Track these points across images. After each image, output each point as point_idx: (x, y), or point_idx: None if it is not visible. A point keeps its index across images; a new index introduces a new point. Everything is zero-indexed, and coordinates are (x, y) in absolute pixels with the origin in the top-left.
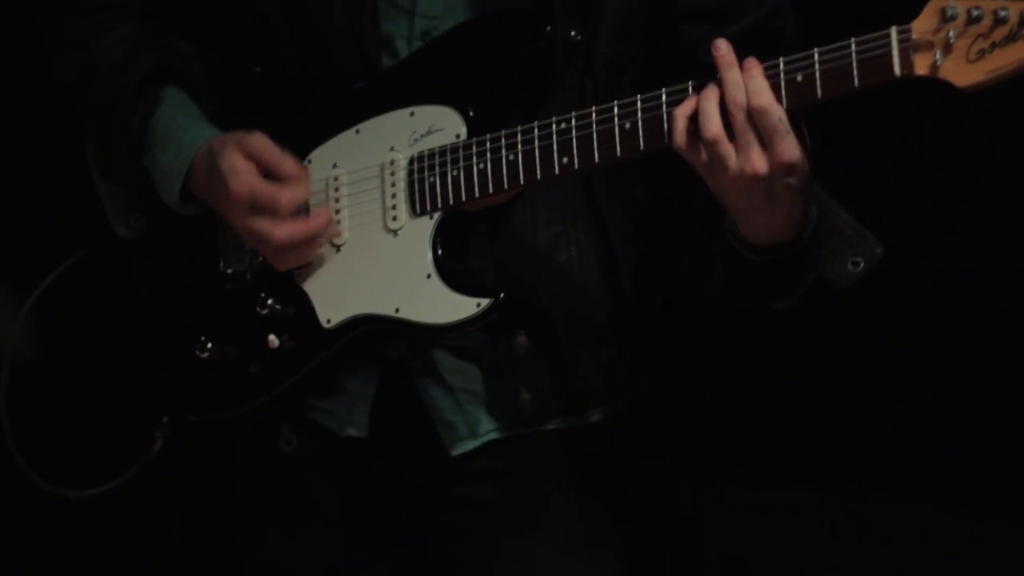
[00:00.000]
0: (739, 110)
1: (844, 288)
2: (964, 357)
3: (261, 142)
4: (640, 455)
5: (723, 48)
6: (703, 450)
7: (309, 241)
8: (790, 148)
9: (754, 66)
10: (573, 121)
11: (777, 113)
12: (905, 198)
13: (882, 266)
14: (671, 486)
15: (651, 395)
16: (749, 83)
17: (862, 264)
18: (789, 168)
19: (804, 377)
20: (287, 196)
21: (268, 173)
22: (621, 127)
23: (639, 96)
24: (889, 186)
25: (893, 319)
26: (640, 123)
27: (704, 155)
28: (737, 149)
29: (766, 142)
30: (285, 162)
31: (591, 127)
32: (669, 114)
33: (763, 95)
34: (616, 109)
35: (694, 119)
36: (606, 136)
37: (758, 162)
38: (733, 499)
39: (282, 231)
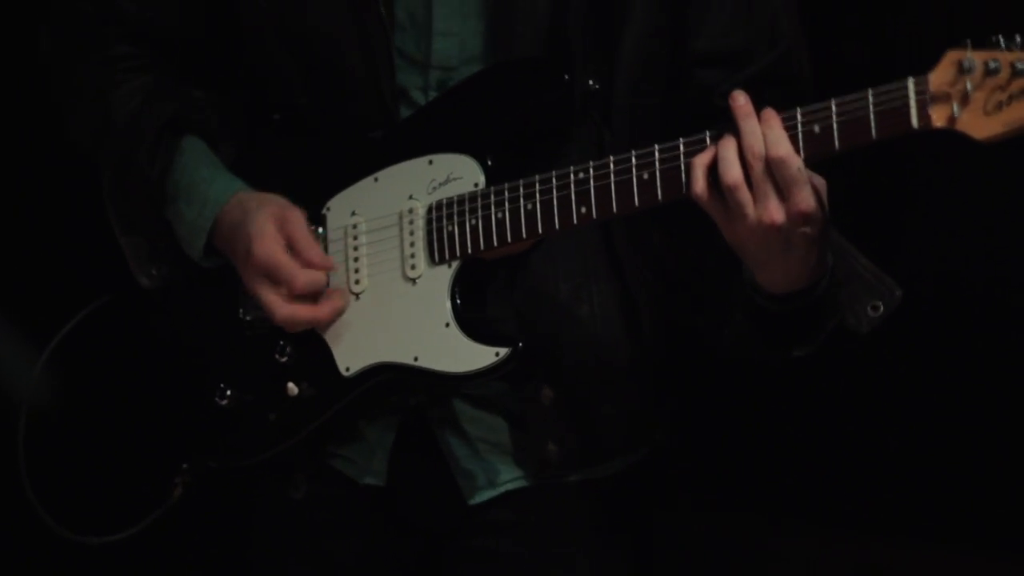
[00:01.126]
0: (757, 160)
1: (865, 332)
2: (990, 406)
3: (298, 219)
4: (658, 504)
5: (741, 99)
6: (720, 498)
7: (310, 324)
8: (807, 198)
9: (772, 116)
10: (591, 171)
11: (796, 163)
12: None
13: (909, 314)
14: (689, 534)
15: (669, 444)
16: (768, 133)
17: (881, 308)
18: (806, 218)
19: (822, 424)
20: (304, 279)
21: (292, 249)
22: (639, 177)
23: (656, 146)
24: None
25: (909, 367)
26: (658, 173)
27: (723, 205)
28: (755, 199)
29: (784, 192)
30: (313, 248)
31: (609, 177)
32: (688, 164)
33: (782, 145)
34: (634, 159)
35: (712, 169)
36: (624, 186)
37: (776, 212)
38: (751, 546)
39: (285, 311)
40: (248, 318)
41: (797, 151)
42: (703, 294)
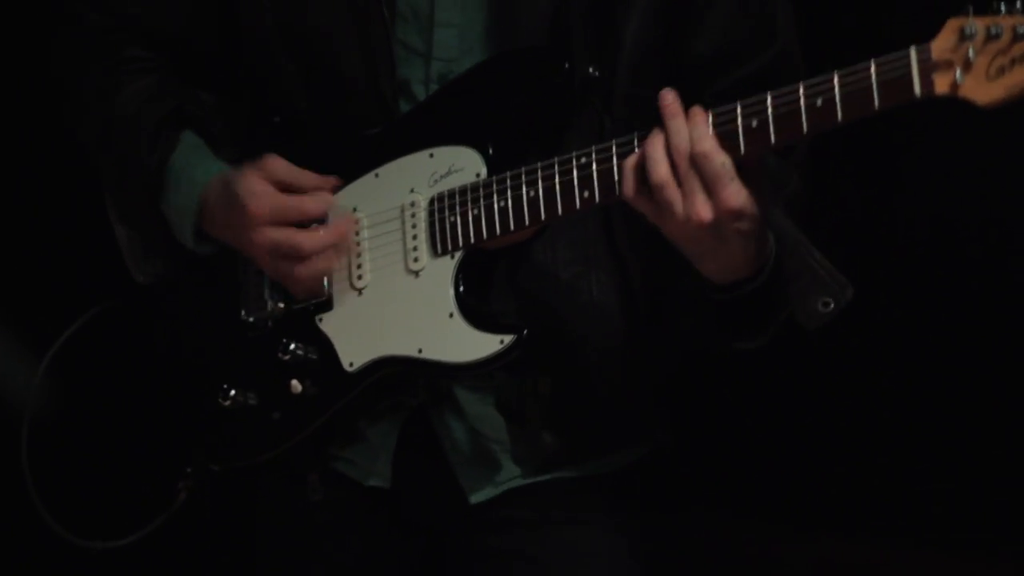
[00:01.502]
0: (682, 157)
1: (813, 329)
2: (991, 405)
3: (277, 162)
4: (661, 505)
5: (668, 98)
6: (721, 498)
7: (336, 245)
8: (735, 194)
9: (698, 113)
10: (593, 155)
11: (719, 159)
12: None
13: (912, 312)
14: (691, 535)
15: (670, 444)
16: (692, 130)
17: (832, 305)
18: (736, 214)
19: (822, 424)
20: (312, 203)
21: (288, 190)
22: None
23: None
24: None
25: (905, 366)
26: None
27: (652, 203)
28: (683, 196)
29: (710, 188)
30: (304, 175)
31: (611, 160)
32: (619, 166)
33: (705, 141)
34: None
35: (641, 168)
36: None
37: (703, 209)
38: (753, 550)
39: (312, 239)
40: (250, 319)
41: (768, 136)
42: (674, 285)
